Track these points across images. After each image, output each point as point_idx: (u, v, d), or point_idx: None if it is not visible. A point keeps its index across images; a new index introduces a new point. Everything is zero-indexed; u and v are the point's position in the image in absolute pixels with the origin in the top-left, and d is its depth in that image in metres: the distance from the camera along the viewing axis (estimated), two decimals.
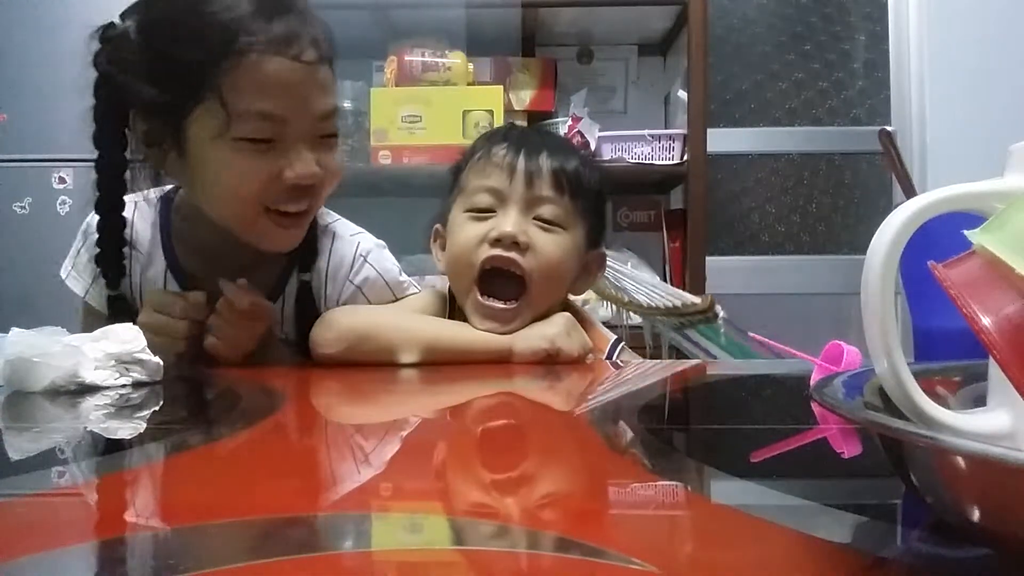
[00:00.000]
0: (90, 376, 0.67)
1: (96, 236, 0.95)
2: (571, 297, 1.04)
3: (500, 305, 0.92)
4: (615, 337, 1.03)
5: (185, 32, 0.84)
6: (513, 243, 0.90)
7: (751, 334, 0.90)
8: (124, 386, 0.69)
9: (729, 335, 1.28)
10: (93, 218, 0.97)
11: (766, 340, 0.81)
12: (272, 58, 0.83)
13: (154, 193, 1.00)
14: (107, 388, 0.68)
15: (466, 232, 0.93)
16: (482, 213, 0.93)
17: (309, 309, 0.98)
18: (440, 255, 1.00)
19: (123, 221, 0.96)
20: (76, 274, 1.02)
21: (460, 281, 0.94)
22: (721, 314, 1.31)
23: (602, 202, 1.01)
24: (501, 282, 0.92)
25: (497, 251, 0.91)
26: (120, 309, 0.95)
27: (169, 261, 0.98)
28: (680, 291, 1.40)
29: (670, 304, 1.34)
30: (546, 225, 0.93)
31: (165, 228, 0.99)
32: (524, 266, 0.91)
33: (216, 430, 0.57)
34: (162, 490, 0.39)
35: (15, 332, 0.67)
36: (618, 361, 1.00)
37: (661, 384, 0.83)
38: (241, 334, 0.92)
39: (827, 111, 2.47)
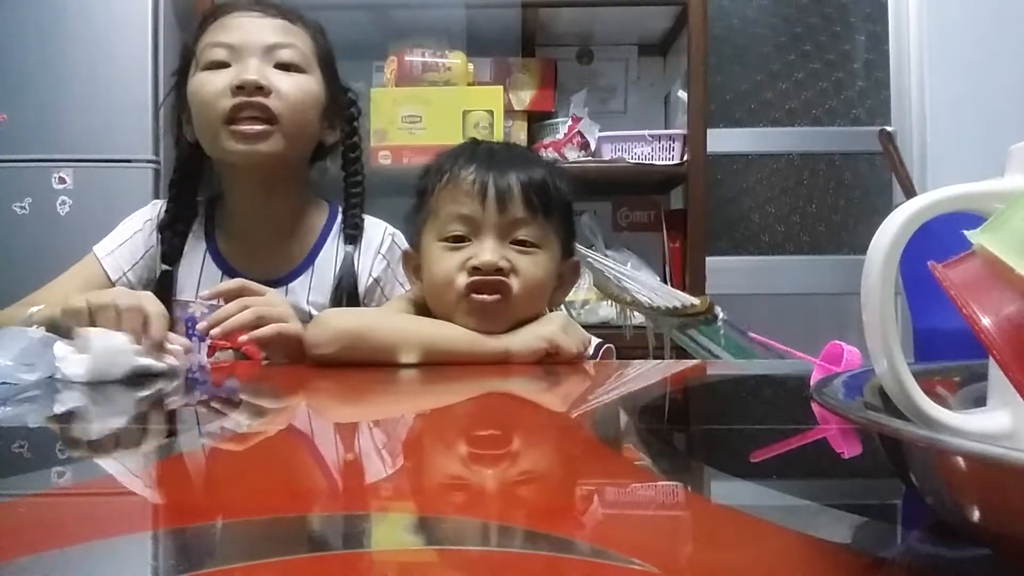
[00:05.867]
0: (142, 361, 0.77)
1: (156, 225, 1.14)
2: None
3: (488, 298, 0.90)
4: (599, 340, 1.02)
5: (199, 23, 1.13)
6: (495, 270, 0.89)
7: (751, 334, 0.90)
8: (165, 369, 0.80)
9: (729, 336, 1.27)
10: (150, 210, 1.17)
11: (766, 340, 0.81)
12: (233, 12, 1.09)
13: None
14: (155, 372, 0.78)
15: (444, 263, 0.92)
16: (457, 242, 0.92)
17: (350, 278, 1.14)
18: (414, 280, 0.99)
19: (194, 208, 1.16)
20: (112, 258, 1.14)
21: (443, 309, 0.93)
22: (721, 315, 1.30)
23: (571, 211, 1.00)
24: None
25: (477, 278, 0.89)
26: (163, 287, 1.11)
27: (210, 248, 1.14)
28: (679, 292, 1.40)
29: (670, 305, 1.34)
30: (524, 248, 0.92)
31: (209, 223, 1.16)
32: (507, 285, 0.90)
33: (215, 430, 0.57)
34: (160, 491, 0.39)
35: (87, 331, 0.76)
36: (607, 362, 0.99)
37: (661, 384, 0.83)
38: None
39: (827, 111, 2.47)
